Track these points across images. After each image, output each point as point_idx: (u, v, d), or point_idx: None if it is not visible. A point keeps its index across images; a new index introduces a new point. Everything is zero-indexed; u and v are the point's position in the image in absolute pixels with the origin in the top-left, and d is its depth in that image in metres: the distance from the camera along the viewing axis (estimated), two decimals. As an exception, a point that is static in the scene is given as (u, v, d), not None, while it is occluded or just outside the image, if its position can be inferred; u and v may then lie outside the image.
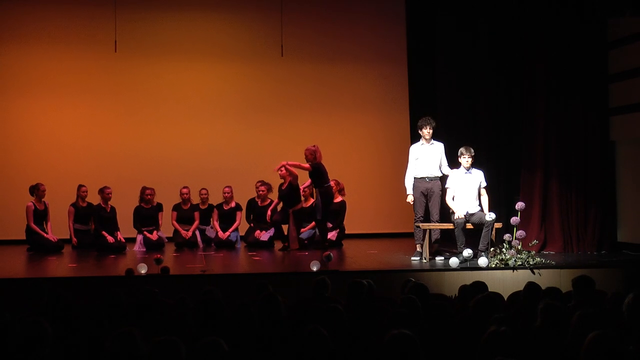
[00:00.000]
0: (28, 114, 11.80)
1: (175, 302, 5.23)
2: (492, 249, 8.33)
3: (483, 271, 7.93)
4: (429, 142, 9.06)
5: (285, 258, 9.63)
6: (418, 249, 8.97)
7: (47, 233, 10.28)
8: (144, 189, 10.59)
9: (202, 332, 4.39)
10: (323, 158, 10.04)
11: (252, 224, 10.82)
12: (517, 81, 10.11)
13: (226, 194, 10.81)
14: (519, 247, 8.22)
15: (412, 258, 8.87)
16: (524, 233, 8.44)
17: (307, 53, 12.30)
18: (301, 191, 10.56)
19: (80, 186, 10.63)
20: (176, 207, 10.84)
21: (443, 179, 9.04)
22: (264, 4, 12.09)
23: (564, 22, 9.87)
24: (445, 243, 9.24)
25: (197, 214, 10.80)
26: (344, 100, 12.42)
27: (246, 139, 12.13)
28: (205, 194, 10.92)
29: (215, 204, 10.91)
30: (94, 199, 10.60)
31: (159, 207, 10.68)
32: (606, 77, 10.02)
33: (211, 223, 10.88)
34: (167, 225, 10.81)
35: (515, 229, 8.36)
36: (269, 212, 10.59)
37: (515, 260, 8.08)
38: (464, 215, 8.58)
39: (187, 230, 10.64)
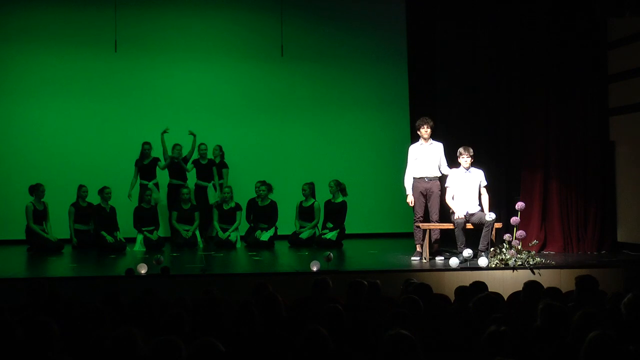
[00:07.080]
0: (28, 114, 11.78)
1: (175, 302, 5.23)
2: (492, 249, 8.32)
3: (483, 271, 7.92)
4: (427, 142, 9.06)
5: (285, 258, 9.64)
6: (418, 249, 8.96)
7: (47, 233, 10.28)
8: (144, 189, 10.57)
9: (202, 332, 4.39)
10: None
11: (252, 224, 10.82)
12: (517, 81, 10.10)
13: (226, 194, 10.80)
14: (519, 247, 8.21)
15: (412, 258, 8.86)
16: (524, 233, 8.43)
17: (307, 53, 12.29)
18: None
19: (80, 186, 10.63)
20: (176, 207, 10.84)
21: (442, 179, 9.03)
22: (264, 4, 12.08)
23: (564, 22, 9.86)
24: (445, 243, 9.24)
25: (197, 214, 10.78)
26: (344, 100, 12.40)
27: (246, 139, 12.12)
28: (205, 195, 10.92)
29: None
30: (94, 199, 10.60)
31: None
32: (606, 77, 10.01)
33: (211, 223, 10.87)
34: (167, 225, 10.82)
35: (515, 229, 8.36)
36: None
37: (515, 260, 8.07)
38: (464, 215, 8.57)
39: (187, 230, 10.64)
